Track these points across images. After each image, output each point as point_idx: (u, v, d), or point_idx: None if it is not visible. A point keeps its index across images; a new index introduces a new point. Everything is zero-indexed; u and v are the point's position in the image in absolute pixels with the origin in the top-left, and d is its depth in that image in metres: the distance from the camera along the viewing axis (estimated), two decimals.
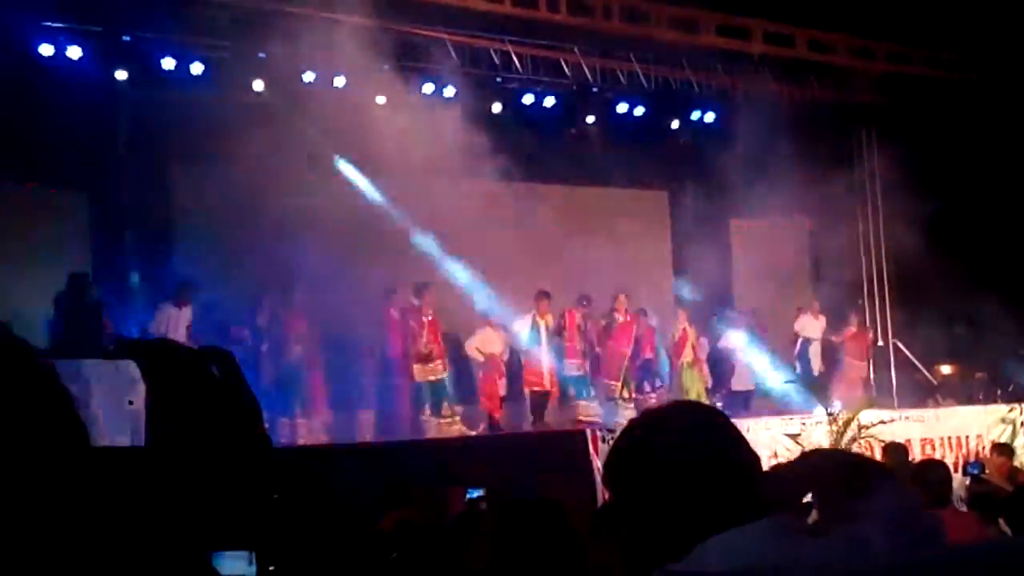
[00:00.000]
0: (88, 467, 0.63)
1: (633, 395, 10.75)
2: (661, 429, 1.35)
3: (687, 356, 11.27)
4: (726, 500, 1.25)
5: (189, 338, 8.80)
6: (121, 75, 9.29)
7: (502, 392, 10.48)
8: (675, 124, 12.08)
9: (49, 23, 8.80)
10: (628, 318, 10.85)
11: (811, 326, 12.22)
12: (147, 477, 0.81)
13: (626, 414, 10.35)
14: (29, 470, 0.60)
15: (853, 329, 12.31)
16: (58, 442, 0.62)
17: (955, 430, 10.45)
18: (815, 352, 12.15)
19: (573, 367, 10.56)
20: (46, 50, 8.84)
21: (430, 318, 9.85)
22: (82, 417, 0.69)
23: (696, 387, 11.15)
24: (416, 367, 9.69)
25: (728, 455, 1.30)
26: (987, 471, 6.97)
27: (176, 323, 9.05)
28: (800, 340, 12.15)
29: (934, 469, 4.81)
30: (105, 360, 0.83)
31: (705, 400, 10.73)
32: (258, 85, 9.82)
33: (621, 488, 1.35)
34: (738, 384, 11.71)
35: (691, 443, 1.29)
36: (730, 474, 1.28)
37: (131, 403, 0.81)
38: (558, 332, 10.51)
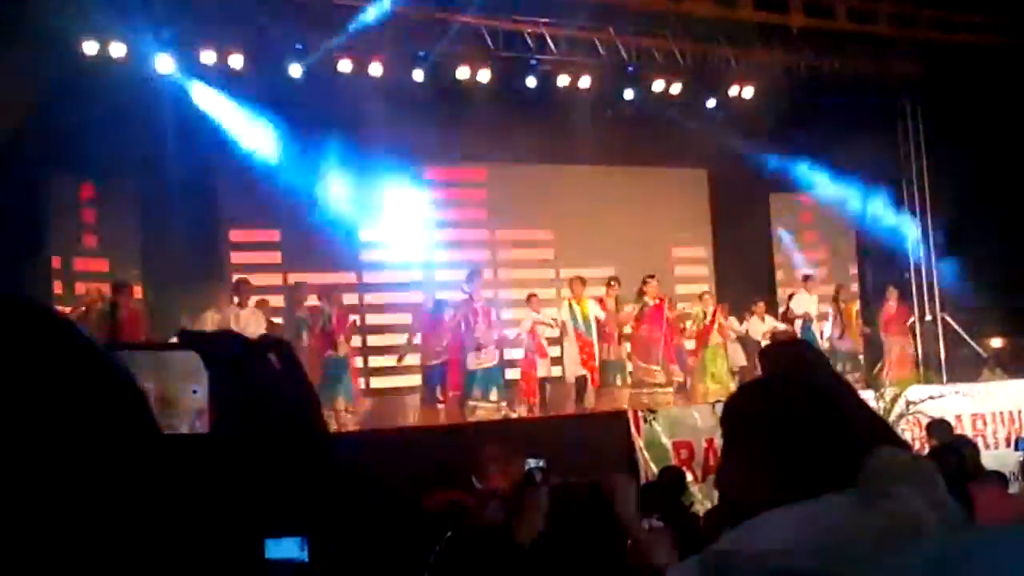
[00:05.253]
0: (164, 458, 0.66)
1: (670, 380, 10.69)
2: (790, 381, 1.35)
3: (714, 340, 11.13)
4: (829, 464, 1.24)
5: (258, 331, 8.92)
6: (164, 69, 9.43)
7: (542, 374, 10.54)
8: (712, 101, 11.92)
9: (91, 21, 8.96)
10: (657, 302, 10.78)
11: (807, 302, 11.72)
12: (209, 464, 0.84)
13: (659, 399, 10.33)
14: (108, 463, 0.62)
15: (893, 305, 11.94)
16: (136, 434, 0.65)
17: (1007, 404, 10.24)
18: (818, 330, 11.63)
19: (608, 351, 10.57)
20: (90, 48, 9.01)
21: (482, 305, 9.92)
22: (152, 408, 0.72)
23: (719, 366, 10.99)
24: (470, 356, 9.76)
25: (838, 423, 1.29)
26: None
27: (238, 320, 9.17)
28: (801, 321, 11.64)
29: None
30: (169, 351, 0.87)
31: (728, 381, 10.66)
32: (295, 72, 9.90)
33: (728, 433, 1.36)
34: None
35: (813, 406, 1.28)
36: (839, 440, 1.27)
37: (195, 392, 0.85)
38: (594, 317, 10.50)
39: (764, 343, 11.46)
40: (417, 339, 10.05)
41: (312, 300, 9.58)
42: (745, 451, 1.33)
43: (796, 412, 1.30)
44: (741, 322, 11.59)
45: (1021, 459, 7.13)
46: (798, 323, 11.69)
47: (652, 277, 10.84)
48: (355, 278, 11.30)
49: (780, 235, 12.90)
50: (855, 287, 12.88)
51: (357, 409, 9.69)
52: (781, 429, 1.29)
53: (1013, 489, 5.79)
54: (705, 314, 11.21)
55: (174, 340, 0.87)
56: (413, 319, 10.17)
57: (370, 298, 11.31)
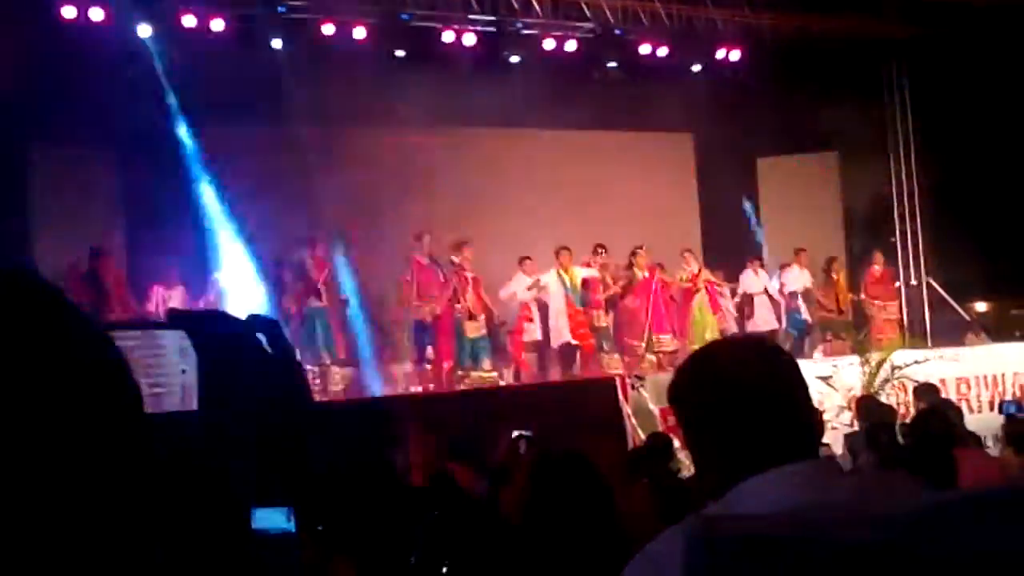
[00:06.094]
0: (145, 434, 0.65)
1: (656, 350, 10.72)
2: (722, 357, 1.37)
3: (700, 297, 11.08)
4: (777, 437, 1.26)
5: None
6: (143, 33, 9.28)
7: (530, 338, 10.55)
8: (699, 65, 11.83)
9: None
10: (647, 273, 10.75)
11: (797, 278, 11.69)
12: (197, 442, 0.84)
13: (647, 368, 10.38)
14: (89, 436, 0.62)
15: (878, 268, 11.91)
16: (118, 407, 0.64)
17: (990, 368, 10.35)
18: (804, 308, 11.62)
19: (599, 317, 10.59)
20: (69, 12, 8.85)
21: (472, 275, 9.90)
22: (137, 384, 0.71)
23: (708, 322, 10.98)
24: (467, 324, 9.77)
25: (784, 393, 1.30)
26: None
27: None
28: (788, 294, 11.61)
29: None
30: (158, 330, 0.86)
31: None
32: (277, 41, 9.76)
33: (680, 412, 1.37)
34: (756, 326, 11.40)
35: (748, 375, 1.30)
36: (783, 412, 1.29)
37: (184, 371, 0.84)
38: (583, 285, 10.49)
39: (758, 299, 11.50)
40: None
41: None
42: (699, 425, 1.34)
43: (742, 383, 1.31)
44: (733, 294, 11.58)
45: (1003, 423, 7.21)
46: (787, 291, 11.71)
47: (640, 247, 10.78)
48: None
49: (745, 208, 12.69)
50: (841, 253, 12.91)
51: (343, 371, 9.66)
52: (728, 402, 1.30)
53: (995, 452, 5.87)
54: (688, 272, 11.17)
55: (163, 319, 0.87)
56: (407, 269, 9.99)
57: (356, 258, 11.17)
